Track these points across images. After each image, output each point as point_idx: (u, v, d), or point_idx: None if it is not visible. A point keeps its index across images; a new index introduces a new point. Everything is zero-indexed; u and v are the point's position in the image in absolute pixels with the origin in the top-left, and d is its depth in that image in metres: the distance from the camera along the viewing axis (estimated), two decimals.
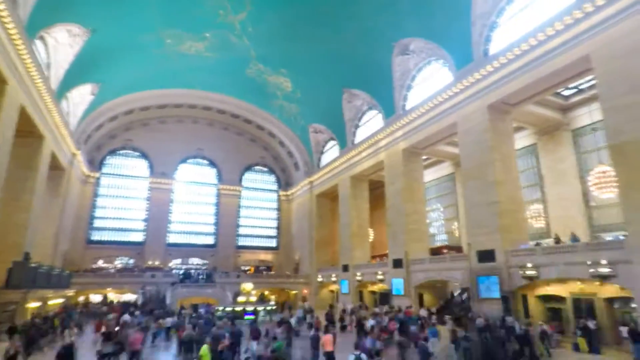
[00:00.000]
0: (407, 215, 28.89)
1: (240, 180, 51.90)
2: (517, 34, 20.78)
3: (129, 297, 36.75)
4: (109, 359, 13.16)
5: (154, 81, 37.25)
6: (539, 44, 19.24)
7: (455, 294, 24.96)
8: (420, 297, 27.81)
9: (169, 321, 21.20)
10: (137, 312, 25.12)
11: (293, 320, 21.67)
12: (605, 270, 15.51)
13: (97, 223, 43.48)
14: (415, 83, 30.13)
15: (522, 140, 27.60)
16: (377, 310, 25.48)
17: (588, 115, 23.96)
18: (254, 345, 12.92)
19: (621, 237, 16.28)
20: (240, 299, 33.67)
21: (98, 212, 43.71)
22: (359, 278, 34.58)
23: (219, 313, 26.61)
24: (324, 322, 20.66)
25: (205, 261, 47.52)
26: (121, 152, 45.82)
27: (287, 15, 28.05)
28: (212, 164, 50.72)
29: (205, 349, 11.31)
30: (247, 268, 49.09)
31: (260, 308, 29.27)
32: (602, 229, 22.63)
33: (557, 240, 19.81)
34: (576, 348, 16.15)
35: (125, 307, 29.22)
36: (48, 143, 26.16)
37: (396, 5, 25.29)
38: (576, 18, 17.46)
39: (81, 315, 27.10)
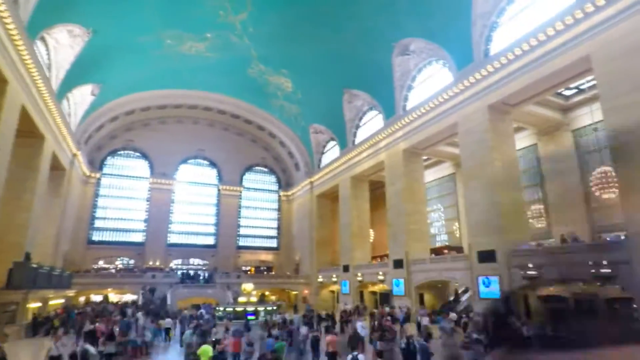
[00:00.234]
0: (407, 215, 28.86)
1: (241, 180, 51.87)
2: (518, 34, 20.71)
3: (129, 297, 36.76)
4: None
5: (155, 81, 37.26)
6: (539, 44, 19.18)
7: (460, 291, 24.94)
8: (421, 297, 27.78)
9: (168, 322, 21.19)
10: (138, 313, 24.99)
11: (296, 320, 21.56)
12: (606, 270, 15.46)
13: (97, 223, 43.48)
14: (416, 83, 30.10)
15: (522, 140, 27.54)
16: (375, 311, 25.42)
17: (589, 116, 23.90)
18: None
19: (622, 238, 16.25)
20: (241, 299, 33.66)
21: (99, 213, 43.70)
22: (359, 278, 34.52)
23: (219, 313, 26.63)
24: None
25: (205, 261, 47.46)
26: (122, 152, 45.80)
27: (288, 16, 28.07)
28: (213, 164, 50.69)
29: (205, 348, 11.32)
30: (247, 268, 49.02)
31: (260, 308, 29.28)
32: (603, 230, 22.57)
33: (564, 240, 19.66)
34: None
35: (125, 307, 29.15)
36: (49, 143, 26.18)
37: (396, 5, 25.27)
38: (577, 18, 17.43)
39: (84, 315, 26.63)
